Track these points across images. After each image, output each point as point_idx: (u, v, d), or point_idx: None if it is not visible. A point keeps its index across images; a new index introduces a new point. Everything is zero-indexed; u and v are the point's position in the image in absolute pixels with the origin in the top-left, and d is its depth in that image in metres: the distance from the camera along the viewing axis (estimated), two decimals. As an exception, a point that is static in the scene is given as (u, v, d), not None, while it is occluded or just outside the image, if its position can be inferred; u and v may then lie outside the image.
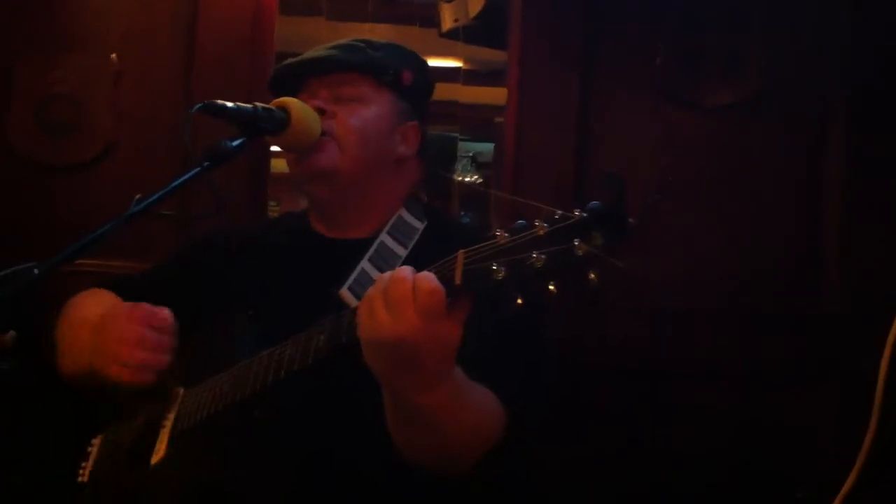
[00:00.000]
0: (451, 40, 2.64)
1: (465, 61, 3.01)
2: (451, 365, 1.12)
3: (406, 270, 1.07)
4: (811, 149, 2.13)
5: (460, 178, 3.62)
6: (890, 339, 1.31)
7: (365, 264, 1.47)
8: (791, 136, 2.13)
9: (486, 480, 1.29)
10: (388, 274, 1.08)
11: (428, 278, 1.05)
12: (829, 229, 2.11)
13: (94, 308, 1.53)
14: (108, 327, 1.43)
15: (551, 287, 0.95)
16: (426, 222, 1.56)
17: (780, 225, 2.12)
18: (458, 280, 1.03)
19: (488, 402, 1.26)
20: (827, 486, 1.32)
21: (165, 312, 1.43)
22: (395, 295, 1.05)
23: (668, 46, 2.13)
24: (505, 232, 1.00)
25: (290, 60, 1.60)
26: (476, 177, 3.86)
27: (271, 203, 2.64)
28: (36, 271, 1.18)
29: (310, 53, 1.59)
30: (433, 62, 1.74)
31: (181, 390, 1.53)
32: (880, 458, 1.28)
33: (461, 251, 1.04)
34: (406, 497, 1.40)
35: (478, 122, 3.30)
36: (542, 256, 0.95)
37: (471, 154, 3.92)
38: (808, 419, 2.01)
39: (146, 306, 1.43)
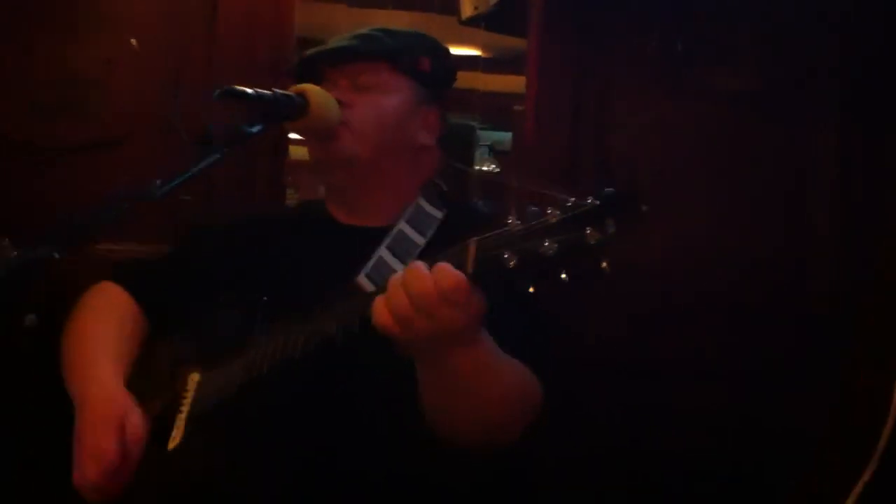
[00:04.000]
0: (471, 28, 2.64)
1: (485, 49, 3.00)
2: (480, 325, 1.13)
3: (421, 268, 1.07)
4: (814, 143, 2.09)
5: (478, 167, 3.62)
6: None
7: (383, 252, 1.47)
8: (793, 132, 2.10)
9: (533, 449, 1.29)
10: (398, 276, 1.09)
11: (447, 274, 1.05)
12: (830, 228, 2.09)
13: (89, 364, 1.51)
14: (86, 419, 1.42)
15: (563, 276, 0.95)
16: (445, 211, 1.55)
17: (780, 222, 2.10)
18: (469, 269, 1.04)
19: (524, 367, 1.28)
20: (824, 486, 1.32)
21: (139, 431, 1.42)
22: (421, 297, 1.05)
23: (692, 35, 2.10)
24: (517, 220, 1.00)
25: (309, 51, 1.60)
26: (493, 165, 3.87)
27: (289, 190, 2.65)
28: (56, 255, 1.18)
29: (329, 44, 1.59)
30: (452, 50, 1.73)
31: (197, 375, 1.54)
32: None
33: (473, 239, 1.04)
34: (414, 490, 1.40)
35: (496, 110, 3.30)
36: (554, 245, 0.94)
37: (488, 143, 3.92)
38: (806, 419, 2.00)
39: (122, 419, 1.41)
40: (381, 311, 1.10)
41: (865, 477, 1.29)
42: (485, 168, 3.69)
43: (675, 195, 2.07)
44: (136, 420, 1.43)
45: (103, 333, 1.56)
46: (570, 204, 0.96)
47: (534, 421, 1.30)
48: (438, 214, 1.54)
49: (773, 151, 2.10)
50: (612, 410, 2.05)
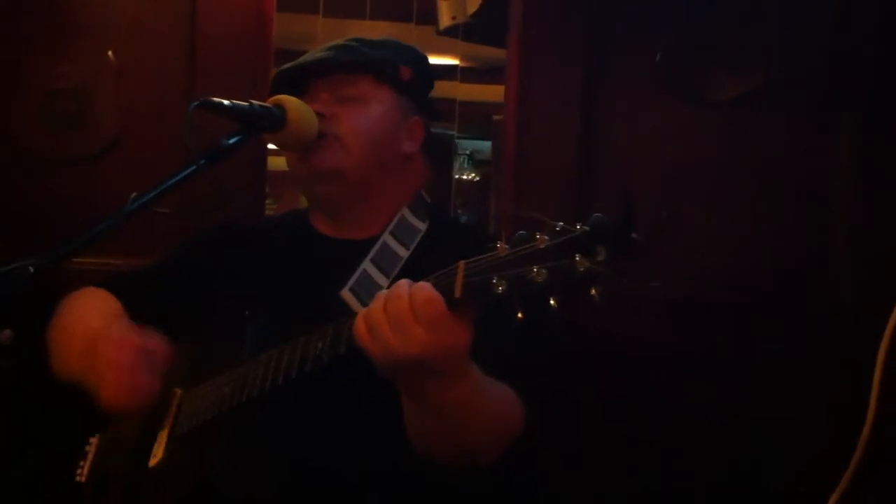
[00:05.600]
0: (448, 38, 2.64)
1: (463, 59, 3.00)
2: (465, 362, 1.12)
3: (403, 286, 1.07)
4: (818, 140, 2.10)
5: (458, 177, 3.62)
6: (887, 332, 1.30)
7: (367, 265, 1.46)
8: (797, 128, 2.11)
9: (509, 473, 1.29)
10: (385, 292, 1.08)
11: (424, 288, 1.05)
12: (834, 222, 2.09)
13: (87, 318, 1.52)
14: (100, 350, 1.42)
15: (552, 302, 0.94)
16: (428, 223, 1.55)
17: (785, 218, 2.10)
18: (457, 293, 1.03)
19: (507, 394, 1.27)
20: (826, 483, 1.32)
21: (157, 339, 1.42)
22: (397, 315, 1.05)
23: (671, 41, 2.11)
24: (505, 244, 0.99)
25: (288, 64, 1.59)
26: (473, 174, 3.87)
27: (268, 201, 2.64)
28: (31, 269, 1.17)
29: (307, 56, 1.59)
30: (430, 60, 1.74)
31: (178, 391, 1.53)
32: (876, 454, 1.28)
33: (461, 262, 1.04)
34: (415, 491, 1.40)
35: (475, 119, 3.30)
36: (544, 271, 0.94)
37: (468, 152, 3.93)
38: (809, 415, 2.01)
39: (137, 336, 1.42)
40: (360, 323, 1.10)
41: (849, 473, 1.29)
42: (465, 178, 3.70)
43: (667, 198, 2.08)
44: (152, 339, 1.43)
45: (94, 310, 1.56)
46: (559, 229, 0.95)
47: (515, 442, 1.29)
48: (422, 226, 1.54)
49: (787, 148, 2.10)
50: (615, 406, 2.04)
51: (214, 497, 1.42)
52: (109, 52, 2.16)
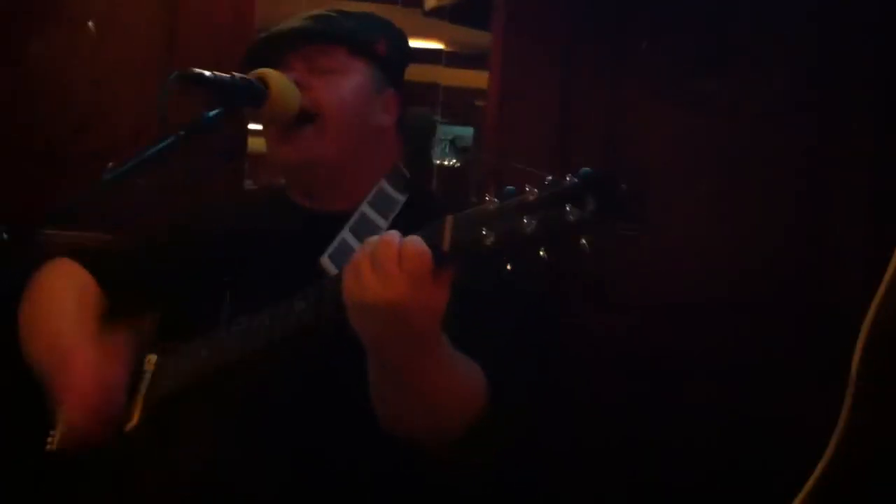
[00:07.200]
0: (433, 21, 2.63)
1: (448, 43, 3.00)
2: (437, 329, 1.12)
3: (393, 234, 1.06)
4: (818, 140, 2.11)
5: (439, 162, 3.61)
6: (861, 335, 1.30)
7: (346, 234, 1.46)
8: (798, 128, 2.11)
9: (477, 450, 1.29)
10: (375, 237, 1.08)
11: (414, 241, 1.04)
12: (834, 222, 2.10)
13: (58, 317, 1.51)
14: (63, 373, 1.42)
15: (542, 253, 0.94)
16: (408, 196, 1.55)
17: (785, 218, 2.11)
18: (446, 246, 1.02)
19: (473, 369, 1.26)
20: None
21: (119, 380, 1.43)
22: (382, 258, 1.04)
23: (652, 30, 2.11)
24: (494, 198, 0.99)
25: (263, 34, 1.58)
26: (454, 161, 3.86)
27: (248, 182, 2.62)
28: (5, 235, 1.15)
29: (283, 25, 1.57)
30: (415, 43, 1.72)
31: (153, 357, 1.52)
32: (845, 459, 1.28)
33: (450, 216, 1.03)
34: (391, 487, 1.39)
35: (459, 105, 3.30)
36: (534, 222, 0.94)
37: (450, 138, 3.91)
38: (809, 416, 2.01)
39: (97, 375, 1.42)
40: (347, 266, 1.10)
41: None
42: (446, 164, 3.69)
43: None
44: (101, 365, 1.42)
45: (65, 304, 1.54)
46: (547, 182, 0.95)
47: (478, 420, 1.28)
48: (401, 198, 1.54)
49: (774, 153, 2.10)
50: (615, 406, 2.05)
51: (211, 494, 1.41)
52: (89, 24, 2.11)
